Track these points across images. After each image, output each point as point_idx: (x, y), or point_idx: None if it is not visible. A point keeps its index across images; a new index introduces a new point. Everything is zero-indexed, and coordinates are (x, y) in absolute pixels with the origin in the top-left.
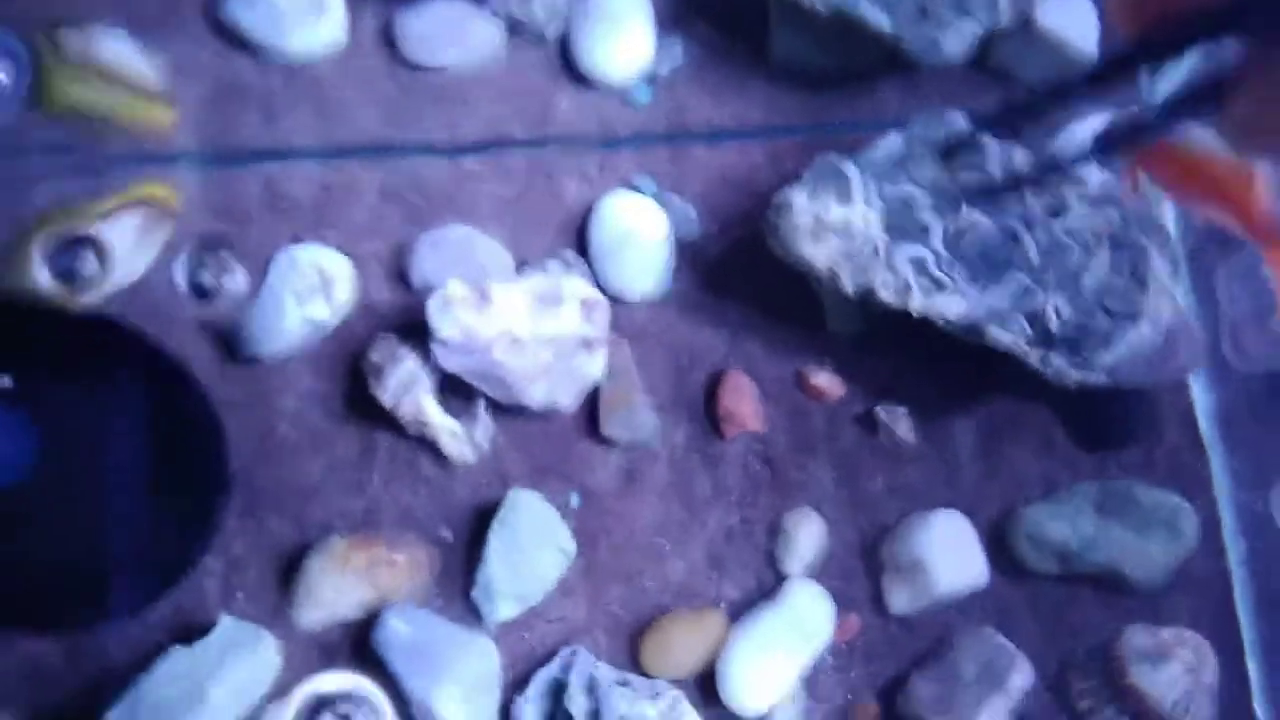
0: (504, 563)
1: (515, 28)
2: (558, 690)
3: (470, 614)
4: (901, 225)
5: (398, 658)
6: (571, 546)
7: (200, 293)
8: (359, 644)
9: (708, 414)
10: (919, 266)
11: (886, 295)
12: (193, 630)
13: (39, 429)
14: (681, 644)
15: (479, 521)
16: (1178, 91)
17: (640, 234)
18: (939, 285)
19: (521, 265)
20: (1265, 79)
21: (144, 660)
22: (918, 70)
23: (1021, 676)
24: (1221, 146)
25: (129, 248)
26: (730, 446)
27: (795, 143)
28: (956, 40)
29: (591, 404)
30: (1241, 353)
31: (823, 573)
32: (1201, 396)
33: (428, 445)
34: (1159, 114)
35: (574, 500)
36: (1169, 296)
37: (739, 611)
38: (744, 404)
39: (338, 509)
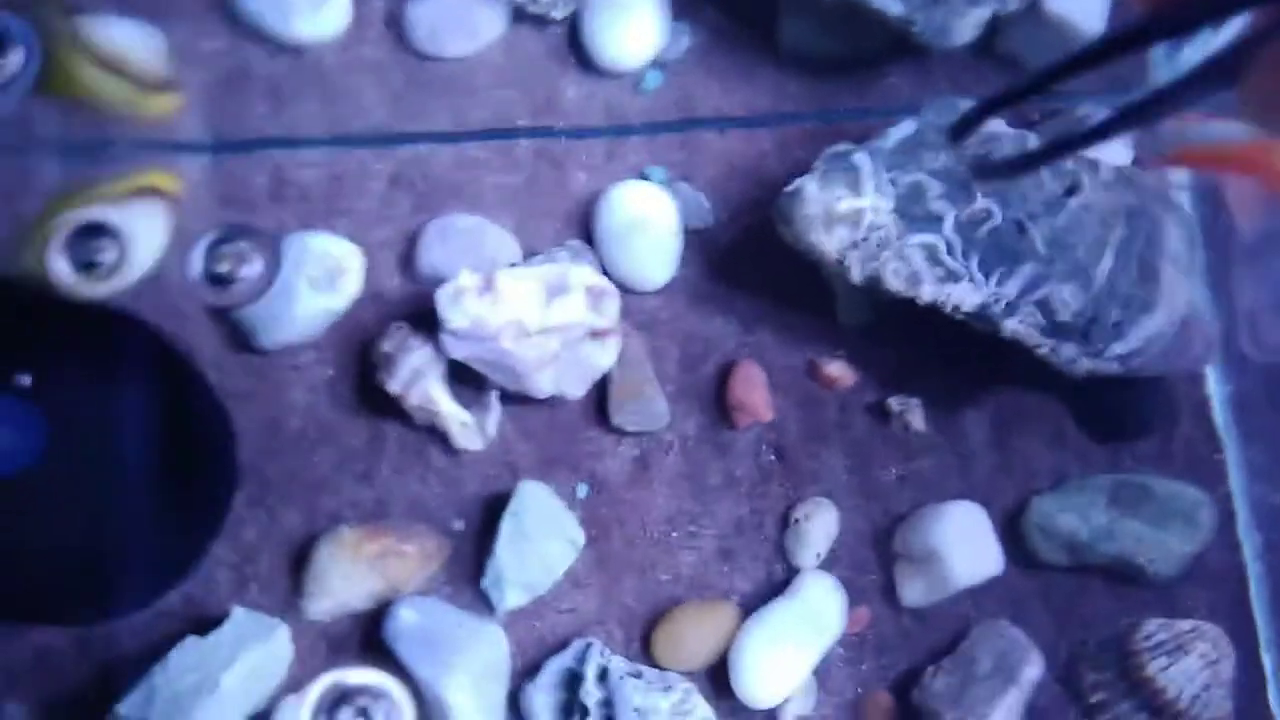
0: (513, 553)
1: (522, 14)
2: (570, 680)
3: (479, 603)
4: (913, 213)
5: (407, 647)
6: (580, 537)
7: (217, 281)
8: (368, 634)
9: (718, 404)
10: (931, 255)
11: (897, 284)
12: (204, 621)
13: (48, 419)
14: (693, 636)
15: (488, 511)
16: (1193, 66)
17: (649, 222)
18: (951, 274)
19: (529, 254)
20: None
21: (155, 650)
22: (927, 56)
23: (1033, 669)
24: (1245, 131)
25: (140, 236)
26: (741, 436)
27: (804, 130)
28: (966, 25)
29: (600, 393)
30: (1259, 344)
31: (834, 564)
32: (1218, 388)
33: (437, 435)
34: (1174, 89)
35: (582, 490)
36: (1184, 286)
37: (751, 603)
38: (755, 394)
39: (348, 499)
